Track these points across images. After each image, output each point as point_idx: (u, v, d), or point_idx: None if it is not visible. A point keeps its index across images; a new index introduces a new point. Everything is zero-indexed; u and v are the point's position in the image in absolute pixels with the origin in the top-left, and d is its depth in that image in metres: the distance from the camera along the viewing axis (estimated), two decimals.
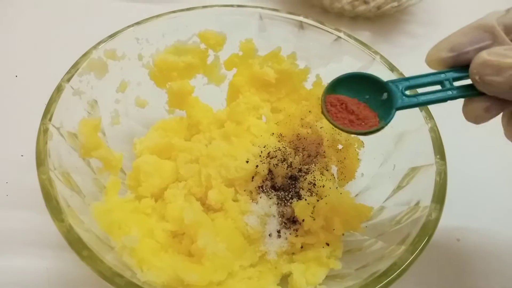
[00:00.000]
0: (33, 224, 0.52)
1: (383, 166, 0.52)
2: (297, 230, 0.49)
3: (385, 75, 0.53)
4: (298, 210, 0.48)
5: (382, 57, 0.54)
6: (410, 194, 0.45)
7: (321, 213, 0.47)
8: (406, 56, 0.79)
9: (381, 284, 0.36)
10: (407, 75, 0.52)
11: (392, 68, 0.53)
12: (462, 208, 0.60)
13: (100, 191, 0.48)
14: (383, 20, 0.86)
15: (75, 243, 0.37)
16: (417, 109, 0.49)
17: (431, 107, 0.49)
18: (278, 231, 0.49)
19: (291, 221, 0.50)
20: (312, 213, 0.48)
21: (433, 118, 0.48)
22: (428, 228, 0.39)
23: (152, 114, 0.57)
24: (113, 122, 0.54)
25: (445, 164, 0.44)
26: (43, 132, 0.42)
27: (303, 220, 0.48)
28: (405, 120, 0.50)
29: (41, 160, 0.40)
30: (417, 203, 0.42)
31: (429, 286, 0.54)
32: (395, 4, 0.79)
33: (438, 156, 0.44)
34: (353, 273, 0.42)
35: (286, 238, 0.49)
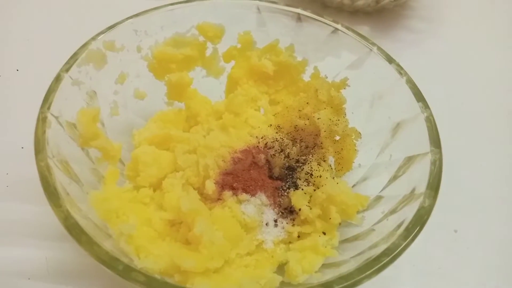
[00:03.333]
0: (33, 215, 0.53)
1: (380, 156, 0.53)
2: (294, 220, 0.50)
3: (383, 66, 0.53)
4: (295, 200, 0.49)
5: (379, 48, 0.54)
6: (406, 183, 0.45)
7: (318, 202, 0.48)
8: (406, 51, 0.80)
9: (373, 269, 0.36)
10: (406, 69, 0.52)
11: (390, 60, 0.54)
12: (460, 200, 0.60)
13: (99, 181, 0.49)
14: (382, 14, 0.86)
15: (73, 229, 0.38)
16: (413, 99, 0.49)
17: (428, 98, 0.50)
18: (275, 220, 0.49)
19: (288, 211, 0.50)
20: (308, 202, 0.49)
21: (429, 108, 0.48)
22: (422, 214, 0.39)
23: (151, 106, 0.58)
24: (112, 113, 0.54)
25: (440, 152, 0.44)
26: (41, 120, 0.42)
27: (299, 210, 0.48)
28: (402, 110, 0.50)
29: (39, 147, 0.40)
30: (412, 191, 0.43)
31: (427, 277, 0.54)
32: None
33: (433, 145, 0.44)
34: (349, 260, 0.43)
35: (283, 227, 0.49)
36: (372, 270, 0.36)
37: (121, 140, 0.53)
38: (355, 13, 0.84)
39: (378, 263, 0.36)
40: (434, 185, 0.41)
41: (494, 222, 0.59)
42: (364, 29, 0.83)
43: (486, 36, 0.87)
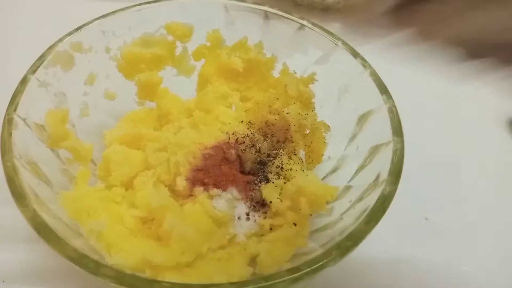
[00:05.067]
0: (3, 219, 0.53)
1: (348, 148, 0.54)
2: (265, 213, 0.50)
3: (348, 60, 0.54)
4: (266, 193, 0.50)
5: (344, 43, 0.55)
6: (371, 172, 0.46)
7: (288, 194, 0.49)
8: (375, 45, 0.81)
9: (337, 252, 0.37)
10: (375, 65, 0.53)
11: (354, 54, 0.55)
12: (429, 188, 0.62)
13: (70, 181, 0.49)
14: (353, 11, 0.88)
15: (41, 228, 0.38)
16: (377, 91, 0.50)
17: (392, 89, 0.51)
18: (247, 214, 0.50)
19: (260, 204, 0.51)
20: (279, 195, 0.49)
21: (392, 99, 0.49)
22: (383, 200, 0.40)
23: (121, 106, 0.58)
24: (82, 114, 0.54)
25: (402, 141, 0.45)
26: (7, 121, 0.42)
27: (270, 202, 0.49)
28: (367, 102, 0.52)
29: (5, 149, 0.41)
30: (376, 179, 0.44)
31: (399, 264, 0.55)
32: None
33: (395, 134, 0.46)
34: (318, 249, 0.44)
35: (255, 221, 0.50)
36: (336, 253, 0.37)
37: (92, 140, 0.54)
38: (326, 10, 0.86)
39: (341, 246, 0.37)
40: (395, 172, 0.42)
41: (464, 210, 0.60)
42: (335, 26, 0.84)
43: None
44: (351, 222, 0.44)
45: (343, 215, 0.48)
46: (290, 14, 0.58)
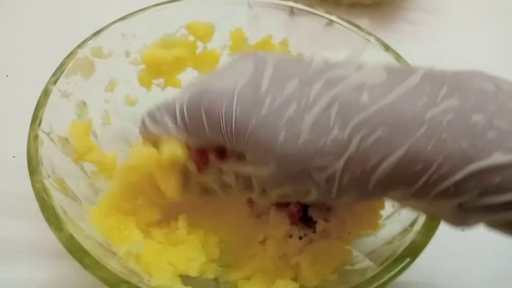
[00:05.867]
0: (25, 232, 0.50)
1: None
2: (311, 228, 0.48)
3: (381, 56, 0.52)
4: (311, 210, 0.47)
5: (377, 38, 0.53)
6: (407, 216, 0.43)
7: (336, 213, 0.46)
8: (406, 42, 0.78)
9: (395, 270, 0.35)
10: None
11: (387, 48, 0.52)
12: None
13: (96, 195, 0.47)
14: (381, 7, 0.84)
15: (77, 252, 0.36)
16: None
17: None
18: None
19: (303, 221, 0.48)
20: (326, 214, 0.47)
21: None
22: (411, 251, 0.37)
23: (143, 112, 0.55)
24: (104, 122, 0.52)
25: None
26: (33, 138, 0.40)
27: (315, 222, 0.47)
28: None
29: (33, 168, 0.38)
30: (411, 225, 0.41)
31: (434, 280, 0.53)
32: None
33: None
34: (363, 258, 0.42)
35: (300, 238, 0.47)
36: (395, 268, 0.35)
37: (115, 148, 0.51)
38: (354, 6, 0.82)
39: (399, 260, 0.36)
40: (430, 224, 0.39)
41: None
42: (363, 22, 0.81)
43: (488, 27, 0.85)
44: (399, 230, 0.42)
45: (385, 221, 0.46)
46: (317, 9, 0.55)
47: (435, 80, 0.29)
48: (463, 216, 0.29)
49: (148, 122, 0.38)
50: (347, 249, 0.45)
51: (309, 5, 0.56)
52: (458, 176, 0.26)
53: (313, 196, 0.32)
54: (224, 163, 0.38)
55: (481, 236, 0.53)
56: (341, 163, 0.28)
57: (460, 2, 0.90)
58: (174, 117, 0.36)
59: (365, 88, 0.29)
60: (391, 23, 0.83)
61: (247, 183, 0.36)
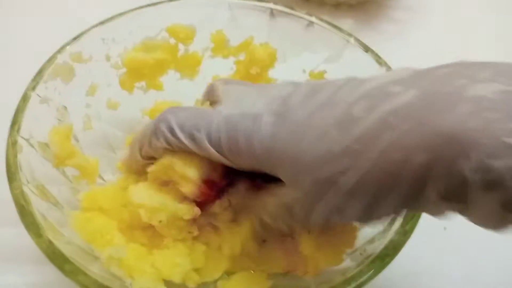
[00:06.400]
0: (6, 239, 0.50)
1: None
2: None
3: (361, 58, 0.52)
4: None
5: (356, 39, 0.53)
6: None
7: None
8: (391, 42, 0.78)
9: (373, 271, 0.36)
10: (391, 62, 0.51)
11: (367, 49, 0.53)
12: None
13: (79, 200, 0.47)
14: (366, 6, 0.84)
15: (56, 258, 0.36)
16: None
17: None
18: None
19: None
20: None
21: None
22: (390, 248, 0.38)
23: (125, 115, 0.56)
24: (85, 127, 0.51)
25: None
26: (11, 145, 0.40)
27: None
28: None
29: (12, 175, 0.38)
30: (391, 223, 0.41)
31: (416, 275, 0.53)
32: None
33: None
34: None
35: None
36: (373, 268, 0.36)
37: (98, 153, 0.51)
38: (338, 6, 0.82)
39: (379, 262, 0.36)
40: (409, 221, 0.40)
41: None
42: (347, 22, 0.81)
43: (472, 24, 0.86)
44: (380, 229, 0.42)
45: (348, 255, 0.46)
46: (297, 10, 0.55)
47: (473, 65, 0.27)
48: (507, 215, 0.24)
49: (184, 138, 0.37)
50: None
51: (289, 6, 0.56)
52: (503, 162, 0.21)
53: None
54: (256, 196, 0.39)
55: (462, 232, 0.56)
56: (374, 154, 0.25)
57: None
58: (210, 137, 0.35)
59: (394, 83, 0.27)
60: (375, 23, 0.83)
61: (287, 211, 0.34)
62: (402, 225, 0.39)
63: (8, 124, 0.42)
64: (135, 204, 0.42)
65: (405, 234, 0.38)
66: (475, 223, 0.27)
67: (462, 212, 0.26)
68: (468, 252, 0.56)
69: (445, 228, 0.57)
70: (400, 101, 0.25)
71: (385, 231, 0.42)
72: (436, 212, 0.27)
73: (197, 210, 0.41)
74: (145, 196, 0.42)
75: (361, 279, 0.36)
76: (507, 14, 0.88)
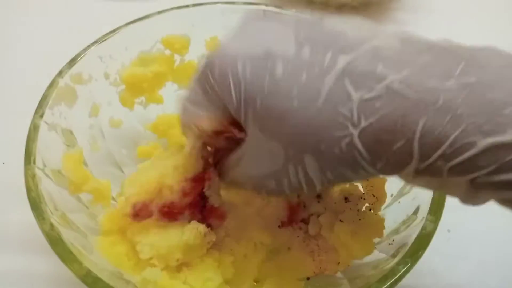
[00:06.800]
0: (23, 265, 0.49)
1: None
2: None
3: None
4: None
5: None
6: (410, 202, 0.44)
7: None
8: None
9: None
10: None
11: None
12: (452, 198, 0.57)
13: (97, 224, 0.46)
14: (369, 8, 0.84)
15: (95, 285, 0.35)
16: None
17: None
18: None
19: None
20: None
21: None
22: (422, 241, 0.39)
23: (129, 133, 0.55)
24: (92, 149, 0.50)
25: None
26: (31, 178, 0.38)
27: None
28: None
29: (39, 211, 0.37)
30: (415, 212, 0.42)
31: (420, 277, 0.53)
32: None
33: None
34: (345, 282, 0.43)
35: None
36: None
37: (106, 172, 0.50)
38: (342, 8, 0.82)
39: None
40: (436, 210, 0.41)
41: (487, 220, 0.54)
42: None
43: (474, 24, 0.86)
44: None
45: (384, 210, 0.48)
46: (288, 10, 0.56)
47: (452, 55, 0.28)
48: (475, 192, 0.28)
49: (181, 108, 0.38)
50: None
51: (280, 7, 0.57)
52: (472, 151, 0.26)
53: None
54: None
55: (467, 235, 0.56)
56: (355, 134, 0.27)
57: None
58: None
59: (381, 58, 0.28)
60: (378, 24, 0.82)
61: None
62: (430, 212, 0.40)
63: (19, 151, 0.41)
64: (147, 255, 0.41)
65: (435, 221, 0.39)
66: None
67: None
68: (472, 256, 0.55)
69: (449, 231, 0.56)
70: (383, 86, 0.27)
71: (409, 219, 0.43)
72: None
73: (202, 228, 0.41)
74: (152, 240, 0.41)
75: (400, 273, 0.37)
76: (510, 16, 0.89)
